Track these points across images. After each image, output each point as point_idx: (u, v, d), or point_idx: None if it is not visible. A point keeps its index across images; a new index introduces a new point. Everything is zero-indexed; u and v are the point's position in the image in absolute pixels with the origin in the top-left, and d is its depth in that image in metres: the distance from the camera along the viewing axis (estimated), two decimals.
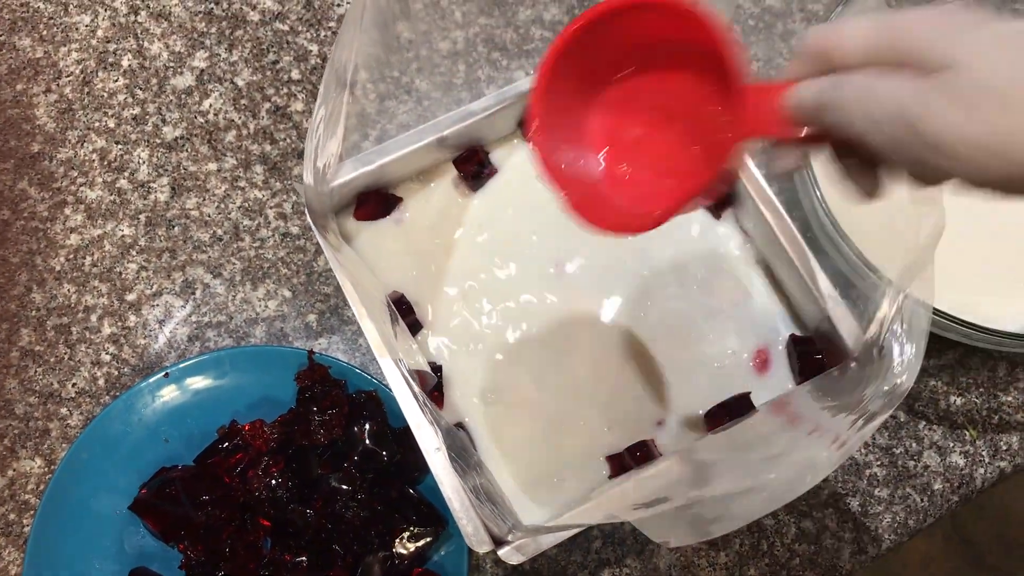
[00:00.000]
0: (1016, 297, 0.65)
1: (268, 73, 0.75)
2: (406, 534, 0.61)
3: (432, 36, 0.76)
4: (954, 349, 0.69)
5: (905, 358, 0.50)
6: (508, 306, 0.66)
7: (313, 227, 0.55)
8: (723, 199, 0.66)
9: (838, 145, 0.40)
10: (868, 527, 0.66)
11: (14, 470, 0.66)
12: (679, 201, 0.45)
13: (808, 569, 0.65)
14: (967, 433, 0.68)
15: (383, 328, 0.56)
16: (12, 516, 0.66)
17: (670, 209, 0.45)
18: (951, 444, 0.67)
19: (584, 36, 0.45)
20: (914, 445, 0.67)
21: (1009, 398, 0.68)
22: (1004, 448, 0.67)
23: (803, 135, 0.40)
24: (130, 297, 0.70)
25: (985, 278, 0.66)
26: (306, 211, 0.57)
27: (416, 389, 0.55)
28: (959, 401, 0.68)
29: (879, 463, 0.67)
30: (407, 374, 0.55)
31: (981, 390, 0.68)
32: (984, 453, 0.67)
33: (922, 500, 0.66)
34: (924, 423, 0.68)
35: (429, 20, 0.76)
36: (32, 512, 0.65)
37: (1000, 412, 0.68)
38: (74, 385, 0.68)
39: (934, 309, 0.60)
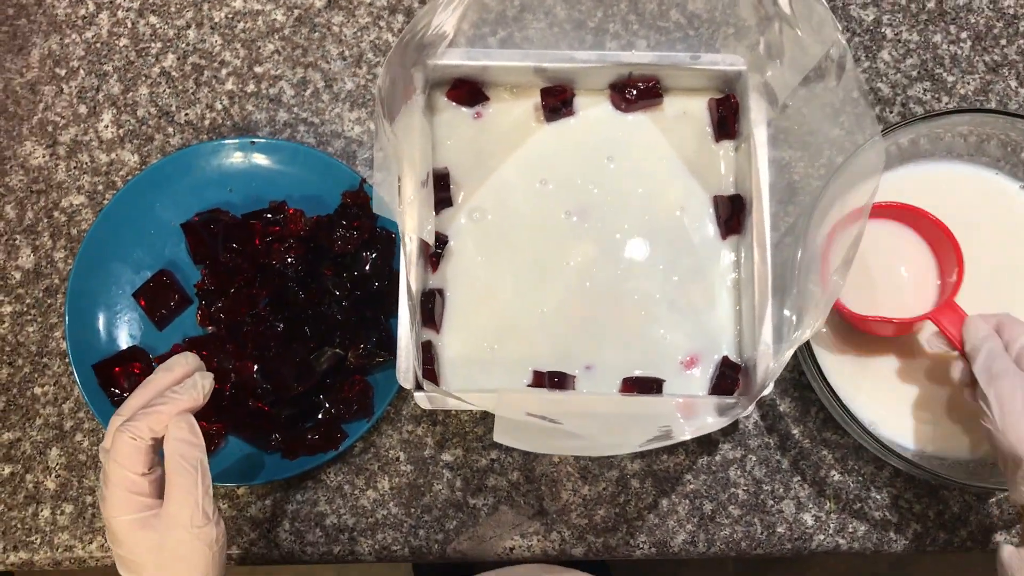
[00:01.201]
0: (911, 420, 0.75)
1: None
2: (362, 347, 0.76)
3: None
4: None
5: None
6: (525, 223, 0.77)
7: (376, 101, 0.65)
8: (736, 226, 0.76)
9: None
10: (708, 529, 0.78)
11: (116, 155, 0.83)
12: (904, 323, 0.73)
13: (644, 535, 0.77)
14: (827, 503, 0.78)
15: (410, 188, 0.69)
16: (100, 188, 0.82)
17: (903, 324, 0.73)
18: (810, 505, 0.78)
19: None
20: (781, 489, 0.78)
21: (878, 496, 0.78)
22: (850, 530, 0.78)
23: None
24: (258, 69, 0.84)
25: (896, 398, 0.75)
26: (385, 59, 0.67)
27: (409, 247, 0.68)
28: (837, 477, 0.78)
29: (745, 488, 0.78)
30: (406, 232, 0.68)
31: (860, 479, 0.78)
32: (831, 525, 0.78)
33: (762, 533, 0.78)
34: (799, 478, 0.78)
35: None
36: (114, 191, 0.82)
37: (864, 503, 0.78)
38: (186, 115, 0.83)
39: (843, 408, 0.70)
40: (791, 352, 0.63)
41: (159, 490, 0.58)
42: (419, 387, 0.70)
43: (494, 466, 0.78)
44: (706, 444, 0.79)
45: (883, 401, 0.75)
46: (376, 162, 0.62)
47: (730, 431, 0.79)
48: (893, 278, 0.77)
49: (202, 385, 0.61)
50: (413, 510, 0.78)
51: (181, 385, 0.60)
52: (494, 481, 0.78)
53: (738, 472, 0.79)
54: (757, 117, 0.75)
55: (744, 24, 0.84)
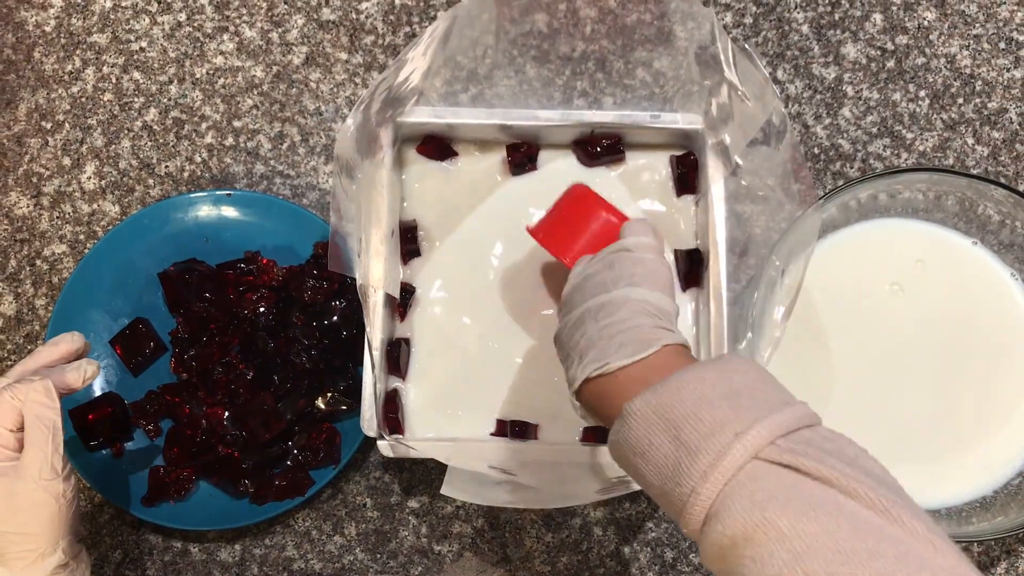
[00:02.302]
0: None
1: (420, 3, 0.89)
2: (330, 395, 0.78)
3: (559, 37, 0.88)
4: None
5: None
6: (491, 275, 0.80)
7: (336, 161, 0.68)
8: (695, 279, 0.78)
9: None
10: None
11: (98, 206, 0.85)
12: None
13: None
14: None
15: (375, 242, 0.72)
16: (81, 237, 0.85)
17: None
18: None
19: None
20: None
21: None
22: None
23: None
24: (236, 123, 0.87)
25: None
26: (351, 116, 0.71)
27: (373, 298, 0.70)
28: None
29: None
30: (371, 284, 0.70)
31: None
32: None
33: None
34: None
35: (564, 23, 0.88)
36: (95, 241, 0.84)
37: None
38: (166, 167, 0.86)
39: None
40: None
41: (22, 448, 0.64)
42: (382, 436, 0.71)
43: (459, 513, 0.80)
44: None
45: None
46: (332, 224, 0.64)
47: None
48: None
49: (85, 370, 0.67)
50: (379, 556, 0.79)
51: (71, 365, 0.67)
52: (459, 528, 0.80)
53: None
54: (714, 174, 0.77)
55: (703, 84, 0.87)
